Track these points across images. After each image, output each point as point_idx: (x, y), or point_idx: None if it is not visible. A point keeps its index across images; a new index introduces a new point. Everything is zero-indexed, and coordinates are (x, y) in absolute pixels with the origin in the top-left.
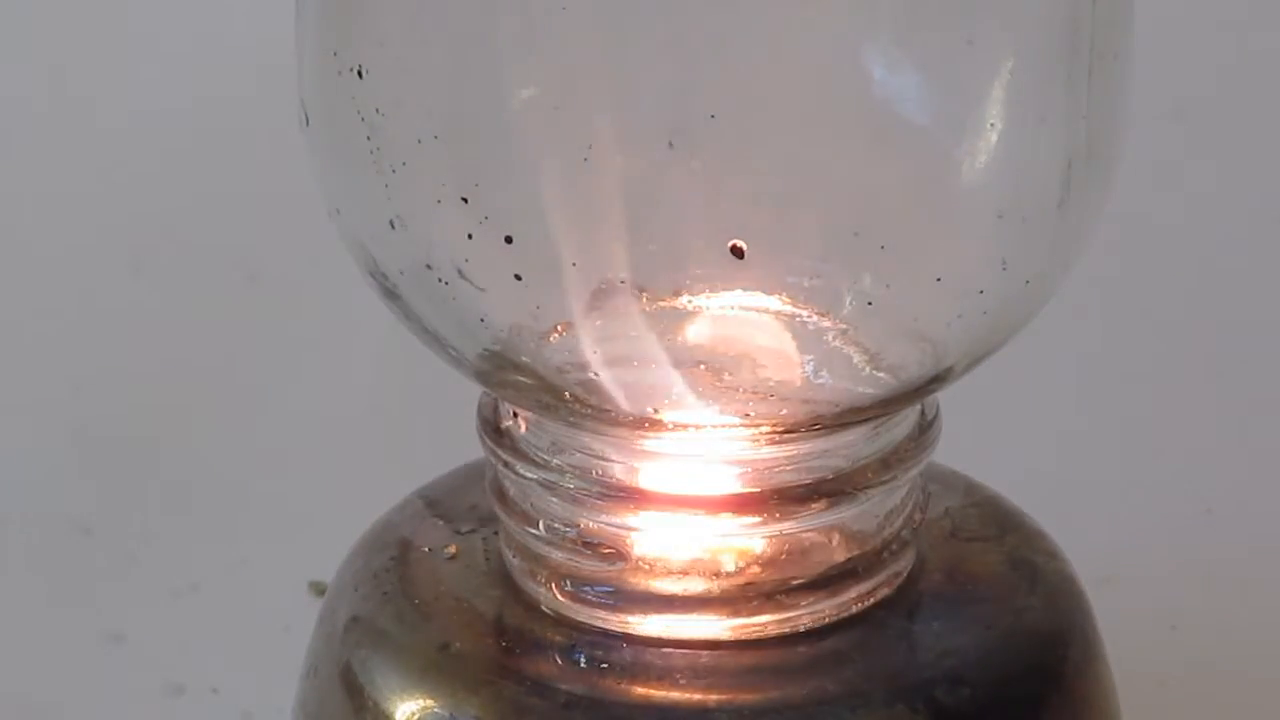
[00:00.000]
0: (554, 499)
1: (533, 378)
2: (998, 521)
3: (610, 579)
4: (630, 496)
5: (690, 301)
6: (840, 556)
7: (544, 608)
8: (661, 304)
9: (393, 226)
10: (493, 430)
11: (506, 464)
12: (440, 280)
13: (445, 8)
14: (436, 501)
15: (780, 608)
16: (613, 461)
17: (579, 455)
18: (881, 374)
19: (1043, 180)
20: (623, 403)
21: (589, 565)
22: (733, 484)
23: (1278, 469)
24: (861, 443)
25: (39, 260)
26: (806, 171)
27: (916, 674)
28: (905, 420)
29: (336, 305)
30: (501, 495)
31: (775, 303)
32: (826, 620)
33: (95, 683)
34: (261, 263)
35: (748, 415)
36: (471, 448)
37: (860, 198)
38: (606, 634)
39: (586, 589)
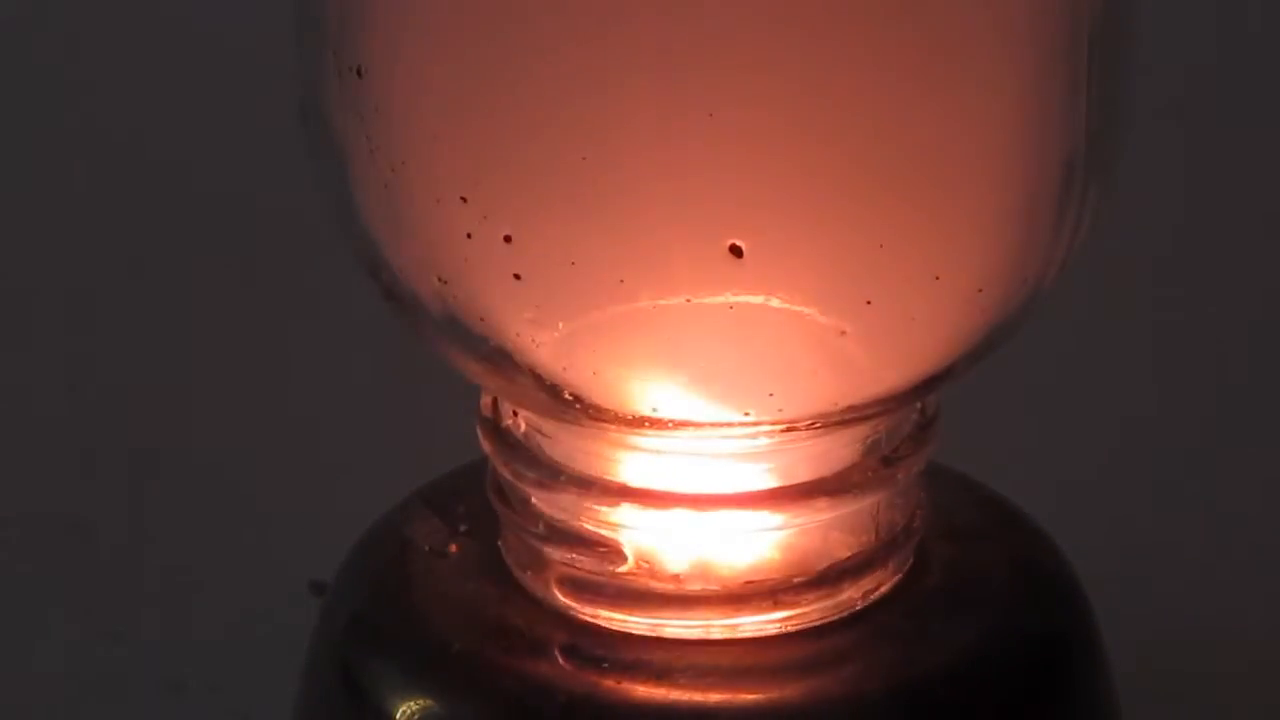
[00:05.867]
0: (554, 499)
1: (532, 377)
2: (998, 521)
3: (610, 578)
4: (630, 495)
5: (689, 300)
6: (840, 555)
7: (544, 607)
8: (660, 303)
9: (392, 226)
10: (493, 430)
11: (506, 464)
12: (439, 279)
13: (444, 7)
14: (436, 501)
15: (780, 606)
16: (612, 460)
17: (578, 454)
18: (881, 373)
19: (1042, 180)
20: (622, 401)
21: (589, 565)
22: (732, 483)
23: (1278, 469)
24: (861, 441)
25: (38, 260)
26: (805, 170)
27: (916, 674)
28: (905, 419)
29: (336, 304)
30: (501, 495)
31: (774, 301)
32: (826, 619)
33: (95, 683)
34: (261, 262)
35: (747, 414)
36: (471, 448)
37: (858, 196)
38: (606, 633)
39: (586, 588)
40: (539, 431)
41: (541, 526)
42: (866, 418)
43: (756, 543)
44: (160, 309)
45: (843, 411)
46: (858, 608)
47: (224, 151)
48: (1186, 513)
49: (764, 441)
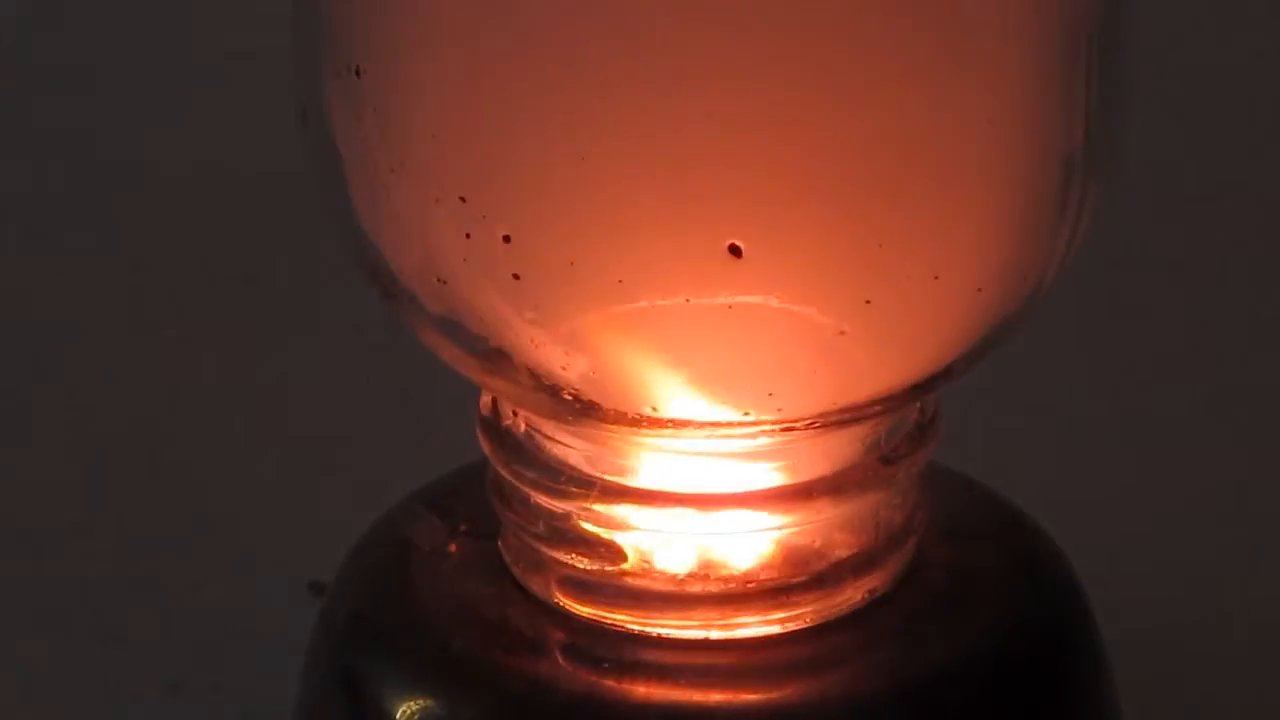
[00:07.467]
0: (554, 499)
1: (531, 377)
2: (998, 521)
3: (610, 578)
4: (629, 495)
5: (688, 300)
6: (840, 555)
7: (544, 607)
8: (659, 302)
9: (391, 226)
10: (493, 430)
11: (506, 464)
12: (438, 279)
13: (443, 7)
14: (436, 501)
15: (780, 606)
16: (612, 460)
17: (578, 454)
18: (880, 373)
19: (1042, 180)
20: (621, 401)
21: (589, 565)
22: (732, 483)
23: (1278, 469)
24: (861, 441)
25: (38, 260)
26: (804, 170)
27: (916, 673)
28: (905, 419)
29: (336, 304)
30: (501, 495)
31: (773, 301)
32: (826, 619)
33: (95, 683)
34: (260, 262)
35: (746, 414)
36: (471, 448)
37: (858, 195)
38: (607, 633)
39: (586, 588)
40: (539, 431)
41: (541, 526)
42: (866, 417)
43: (756, 542)
44: (160, 309)
45: (842, 411)
46: (858, 608)
47: (223, 152)
48: (1186, 513)
49: (764, 441)
